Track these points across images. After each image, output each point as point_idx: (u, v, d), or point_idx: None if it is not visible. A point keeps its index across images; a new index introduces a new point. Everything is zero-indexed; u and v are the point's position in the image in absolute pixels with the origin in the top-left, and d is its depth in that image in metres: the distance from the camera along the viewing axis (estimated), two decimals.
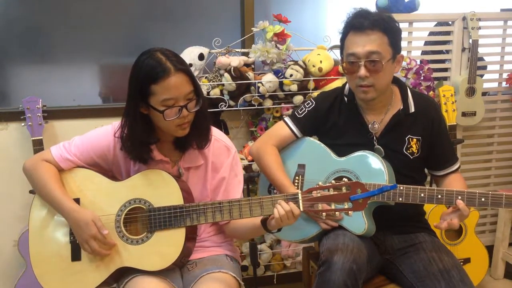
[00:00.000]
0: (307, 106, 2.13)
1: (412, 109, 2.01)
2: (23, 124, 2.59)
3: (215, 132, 1.91)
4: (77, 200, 1.78)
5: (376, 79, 1.90)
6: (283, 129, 2.15)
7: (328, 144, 2.10)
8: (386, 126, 2.02)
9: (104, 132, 1.84)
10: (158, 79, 1.65)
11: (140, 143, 1.77)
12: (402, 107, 2.01)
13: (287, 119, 2.16)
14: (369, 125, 2.03)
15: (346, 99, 2.07)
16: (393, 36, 1.91)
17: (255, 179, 2.60)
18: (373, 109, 2.03)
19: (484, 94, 3.14)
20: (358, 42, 1.89)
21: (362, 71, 1.89)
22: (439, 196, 1.85)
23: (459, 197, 1.81)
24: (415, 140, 2.01)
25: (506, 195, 1.78)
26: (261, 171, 2.18)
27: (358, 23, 1.89)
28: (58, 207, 1.76)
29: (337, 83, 2.73)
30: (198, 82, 1.80)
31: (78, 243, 1.75)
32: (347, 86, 2.07)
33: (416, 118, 2.02)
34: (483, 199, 1.80)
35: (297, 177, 2.12)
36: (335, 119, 2.09)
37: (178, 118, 1.69)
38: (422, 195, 1.87)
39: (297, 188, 2.08)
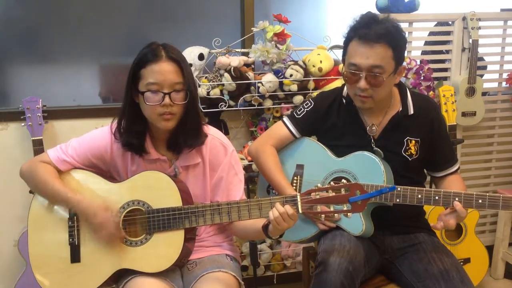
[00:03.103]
0: (306, 107, 2.13)
1: (411, 111, 2.01)
2: (23, 124, 2.59)
3: (212, 130, 1.91)
4: None
5: (375, 91, 1.89)
6: (281, 129, 2.15)
7: (327, 145, 2.10)
8: (384, 129, 2.02)
9: (101, 133, 1.85)
10: (147, 63, 1.69)
11: (133, 130, 1.77)
12: (401, 109, 2.01)
13: (285, 119, 2.16)
14: (367, 128, 2.02)
15: (344, 100, 2.07)
16: (398, 49, 1.87)
17: (255, 179, 2.60)
18: (371, 111, 2.02)
19: (484, 94, 3.14)
20: (362, 53, 1.85)
21: (362, 84, 1.87)
22: (436, 198, 1.84)
23: (456, 199, 1.81)
24: (413, 141, 2.01)
25: (503, 197, 1.78)
26: (259, 172, 2.18)
27: (363, 33, 1.84)
28: (62, 202, 1.76)
29: (337, 83, 2.73)
30: (193, 78, 1.80)
31: (78, 245, 1.76)
32: (345, 87, 2.06)
33: (415, 120, 2.01)
34: (480, 201, 1.79)
35: (295, 178, 2.12)
36: (333, 120, 2.08)
37: (160, 106, 1.69)
38: (420, 196, 1.87)
39: (295, 189, 2.08)
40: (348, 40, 1.92)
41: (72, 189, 1.77)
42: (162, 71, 1.68)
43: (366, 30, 1.84)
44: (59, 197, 1.75)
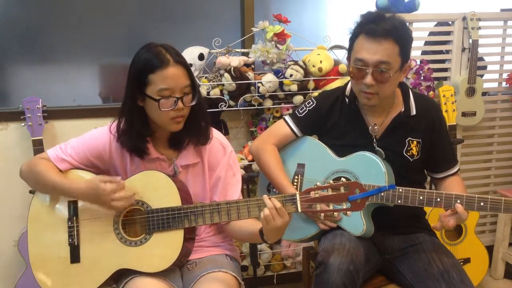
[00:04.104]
0: (308, 106, 2.13)
1: (414, 112, 2.00)
2: (23, 124, 2.59)
3: (212, 131, 1.91)
4: (74, 202, 1.78)
5: (381, 87, 1.88)
6: (283, 128, 2.15)
7: (328, 144, 2.10)
8: (387, 129, 2.02)
9: (99, 133, 1.85)
10: (156, 69, 1.68)
11: (136, 134, 1.77)
12: (403, 109, 2.01)
13: (287, 118, 2.16)
14: (370, 127, 2.02)
15: (347, 100, 2.06)
16: (405, 45, 1.88)
17: (254, 179, 2.60)
18: (374, 111, 2.02)
19: (484, 94, 3.13)
20: (369, 48, 1.85)
21: (369, 80, 1.87)
22: (438, 199, 1.84)
23: (458, 201, 1.81)
24: (415, 142, 2.01)
25: (505, 200, 1.77)
26: (260, 170, 2.18)
27: (371, 29, 1.84)
28: (63, 192, 1.76)
29: (337, 83, 2.73)
30: (195, 78, 1.82)
31: (77, 245, 1.76)
32: (348, 86, 2.06)
33: (417, 120, 2.01)
34: (482, 204, 1.79)
35: (296, 177, 2.12)
36: (335, 120, 2.08)
37: (173, 111, 1.70)
38: (421, 197, 1.86)
39: (296, 188, 2.08)
40: (354, 36, 1.92)
41: (70, 179, 1.77)
42: (173, 76, 1.68)
43: (373, 26, 1.84)
44: (59, 188, 1.75)
